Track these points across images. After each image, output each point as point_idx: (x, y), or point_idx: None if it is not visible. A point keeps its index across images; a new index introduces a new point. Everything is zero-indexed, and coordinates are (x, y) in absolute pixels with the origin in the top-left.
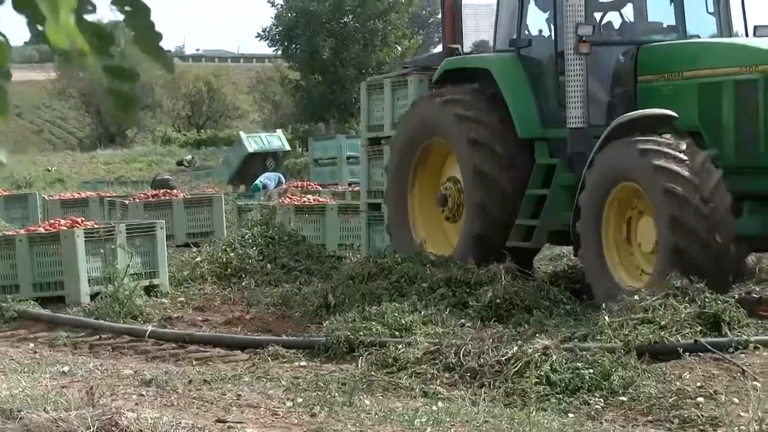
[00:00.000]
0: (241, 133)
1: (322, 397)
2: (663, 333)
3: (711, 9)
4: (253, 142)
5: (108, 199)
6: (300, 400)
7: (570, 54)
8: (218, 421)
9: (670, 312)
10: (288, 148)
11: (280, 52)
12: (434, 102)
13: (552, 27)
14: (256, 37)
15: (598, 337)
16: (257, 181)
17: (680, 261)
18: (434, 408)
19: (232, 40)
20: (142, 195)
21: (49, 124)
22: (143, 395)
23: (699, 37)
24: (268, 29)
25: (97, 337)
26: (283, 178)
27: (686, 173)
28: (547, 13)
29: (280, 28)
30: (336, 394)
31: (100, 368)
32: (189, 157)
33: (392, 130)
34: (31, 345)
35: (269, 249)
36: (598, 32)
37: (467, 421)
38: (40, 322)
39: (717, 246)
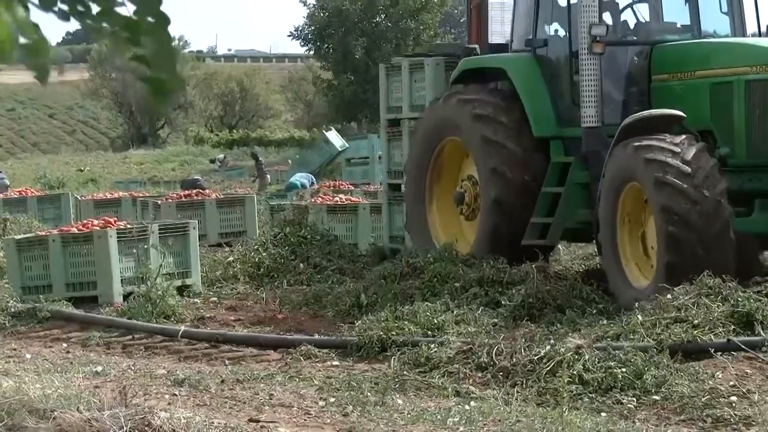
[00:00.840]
0: (329, 133)
1: (355, 396)
2: (696, 332)
3: (725, 9)
4: (339, 139)
5: (141, 199)
6: (332, 399)
7: (584, 54)
8: (251, 420)
9: (703, 311)
10: (347, 145)
11: (312, 52)
12: (451, 101)
13: (567, 27)
14: (289, 36)
15: (631, 336)
16: (294, 180)
17: (676, 249)
18: (467, 407)
19: (265, 40)
20: (175, 195)
21: (82, 124)
22: (176, 395)
23: (713, 37)
24: (300, 29)
25: (130, 337)
26: (314, 178)
27: (677, 163)
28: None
29: (313, 28)
30: (368, 393)
31: (133, 368)
32: (221, 156)
33: (411, 112)
34: (64, 345)
35: (301, 248)
36: (613, 32)
37: (500, 421)
38: (73, 322)
39: (712, 233)
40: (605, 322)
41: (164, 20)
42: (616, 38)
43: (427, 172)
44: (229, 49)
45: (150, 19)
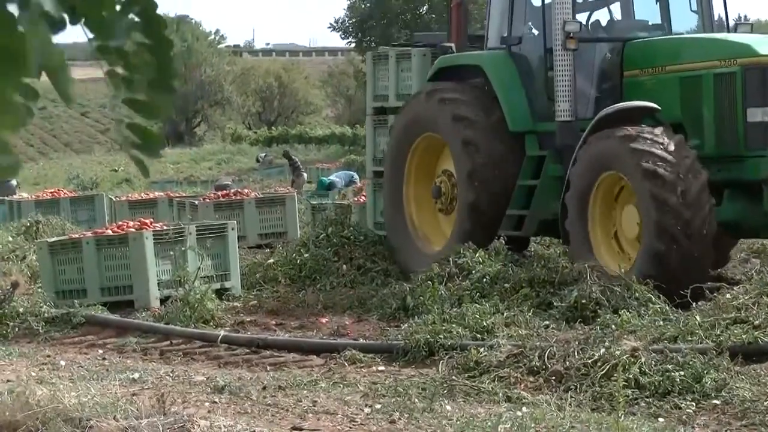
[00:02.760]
0: None
1: (402, 402)
2: (757, 333)
3: (694, 7)
4: None
5: (177, 199)
6: (378, 406)
7: (558, 50)
8: (294, 428)
9: (764, 311)
10: None
11: (353, 45)
12: (431, 99)
13: (541, 25)
14: (329, 28)
15: (689, 338)
16: (324, 178)
17: (664, 238)
18: (518, 413)
19: (304, 33)
20: (212, 195)
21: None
22: (216, 402)
23: (683, 34)
24: (340, 20)
25: (168, 342)
26: (356, 176)
27: (662, 153)
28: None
29: (354, 20)
30: (416, 399)
31: (171, 375)
32: (263, 154)
33: (397, 101)
34: (100, 351)
35: (344, 250)
36: (586, 30)
37: (553, 427)
38: (109, 328)
39: (698, 223)
40: (662, 323)
41: (167, 44)
42: (589, 35)
43: (405, 163)
44: (267, 43)
45: (150, 42)
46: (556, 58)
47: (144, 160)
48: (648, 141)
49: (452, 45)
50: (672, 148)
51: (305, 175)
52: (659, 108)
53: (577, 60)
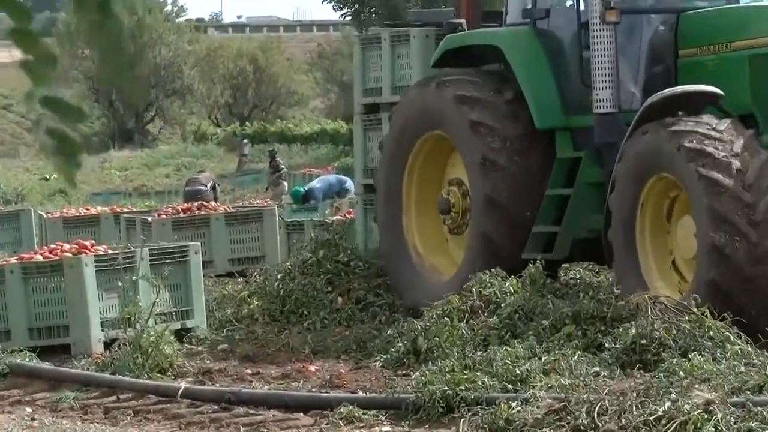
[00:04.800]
0: None
1: None
2: None
3: None
4: None
5: (125, 215)
6: None
7: (596, 24)
8: None
9: None
10: None
11: (348, 17)
12: (430, 87)
13: None
14: None
15: None
16: (299, 187)
17: (721, 263)
18: None
19: (286, 3)
20: (170, 209)
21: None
22: None
23: (752, 2)
24: None
25: (115, 397)
26: (351, 183)
27: (726, 155)
28: None
29: None
30: None
31: None
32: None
33: (392, 95)
34: (28, 410)
35: (340, 278)
36: None
37: None
38: (39, 380)
39: (764, 246)
40: (743, 369)
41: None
42: (634, 5)
43: (403, 176)
44: (239, 16)
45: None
46: (593, 34)
47: (67, 168)
48: (706, 137)
49: (462, 22)
50: (738, 146)
51: (286, 183)
52: (723, 94)
53: (619, 36)
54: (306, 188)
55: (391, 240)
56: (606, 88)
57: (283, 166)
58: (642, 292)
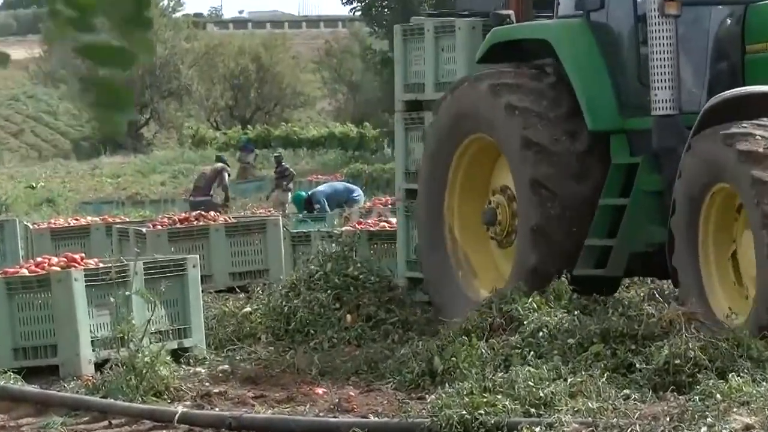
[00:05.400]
0: None
1: None
2: None
3: None
4: None
5: (118, 226)
6: None
7: (654, 17)
8: None
9: None
10: None
11: (359, 12)
12: (478, 87)
13: None
14: None
15: None
16: (301, 191)
17: None
18: None
19: None
20: (166, 220)
21: (33, 121)
22: None
23: None
24: None
25: (106, 423)
26: (360, 193)
27: None
28: None
29: None
30: None
31: None
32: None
33: (436, 92)
34: None
35: (349, 294)
36: None
37: None
38: (25, 404)
39: None
40: None
41: None
42: None
43: (446, 181)
44: (241, 11)
45: None
46: (651, 27)
47: (113, 120)
48: (764, 139)
49: (510, 13)
50: None
51: (290, 193)
52: None
53: (680, 30)
54: (309, 193)
55: (431, 252)
56: (665, 87)
57: (290, 170)
58: (712, 323)
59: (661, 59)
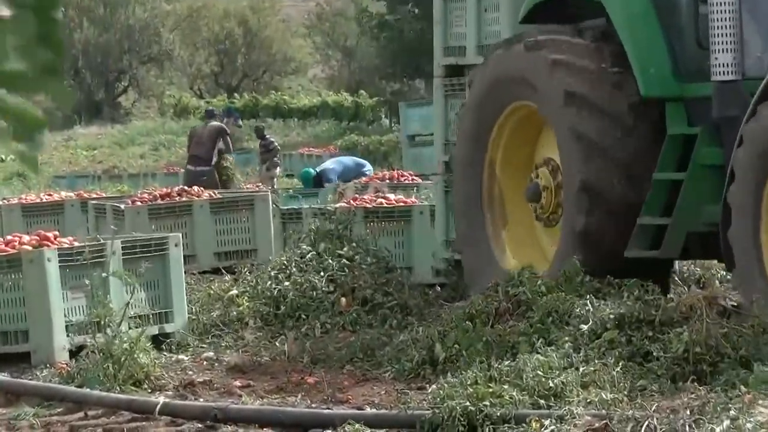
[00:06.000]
0: None
1: None
2: None
3: None
4: None
5: (94, 202)
6: None
7: None
8: None
9: None
10: None
11: None
12: (517, 48)
13: None
14: None
15: None
16: (309, 168)
17: None
18: None
19: None
20: (146, 195)
21: None
22: None
23: None
24: None
25: (82, 414)
26: (370, 167)
27: None
28: None
29: None
30: None
31: None
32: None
33: (478, 55)
34: None
35: (344, 276)
36: None
37: None
38: None
39: None
40: None
41: None
42: None
43: (484, 155)
44: None
45: None
46: None
47: (27, 153)
48: None
49: None
50: None
51: (279, 168)
52: None
53: None
54: (318, 169)
55: (468, 231)
56: (727, 50)
57: (275, 144)
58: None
59: (722, 19)
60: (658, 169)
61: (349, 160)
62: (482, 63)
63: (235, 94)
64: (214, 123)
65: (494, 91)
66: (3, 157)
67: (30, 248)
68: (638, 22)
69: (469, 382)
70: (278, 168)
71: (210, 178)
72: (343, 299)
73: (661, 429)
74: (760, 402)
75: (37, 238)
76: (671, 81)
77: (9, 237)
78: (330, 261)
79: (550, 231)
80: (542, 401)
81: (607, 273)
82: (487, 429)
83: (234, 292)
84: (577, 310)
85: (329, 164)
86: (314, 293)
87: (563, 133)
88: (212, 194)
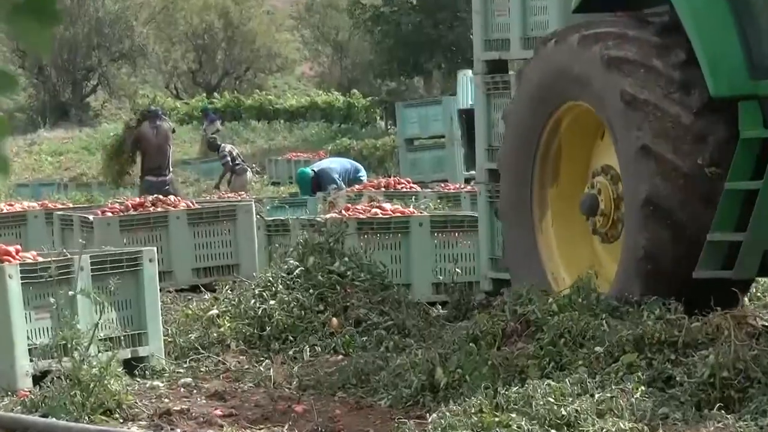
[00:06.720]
0: None
1: None
2: None
3: None
4: None
5: (60, 213)
6: None
7: None
8: None
9: None
10: None
11: None
12: (570, 41)
13: None
14: None
15: None
16: (305, 168)
17: None
18: None
19: None
20: (117, 206)
21: None
22: None
23: None
24: None
25: None
26: (364, 172)
27: None
28: None
29: None
30: None
31: None
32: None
33: (523, 50)
34: None
35: (335, 293)
36: None
37: None
38: None
39: None
40: None
41: None
42: None
43: (533, 162)
44: None
45: None
46: None
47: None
48: None
49: None
50: None
51: (249, 173)
52: None
53: None
54: (316, 169)
55: (517, 247)
56: None
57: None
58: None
59: None
60: (730, 178)
61: (345, 161)
62: (531, 58)
63: (215, 94)
64: (164, 124)
65: (546, 89)
66: None
67: None
68: (707, 11)
69: (473, 411)
70: (247, 172)
71: (172, 187)
72: (334, 319)
73: None
74: None
75: None
76: (745, 78)
77: None
78: (320, 277)
79: (610, 248)
80: (554, 431)
81: (674, 297)
82: None
83: (214, 311)
84: (592, 331)
85: (328, 163)
86: (302, 313)
87: (622, 139)
88: (190, 204)
